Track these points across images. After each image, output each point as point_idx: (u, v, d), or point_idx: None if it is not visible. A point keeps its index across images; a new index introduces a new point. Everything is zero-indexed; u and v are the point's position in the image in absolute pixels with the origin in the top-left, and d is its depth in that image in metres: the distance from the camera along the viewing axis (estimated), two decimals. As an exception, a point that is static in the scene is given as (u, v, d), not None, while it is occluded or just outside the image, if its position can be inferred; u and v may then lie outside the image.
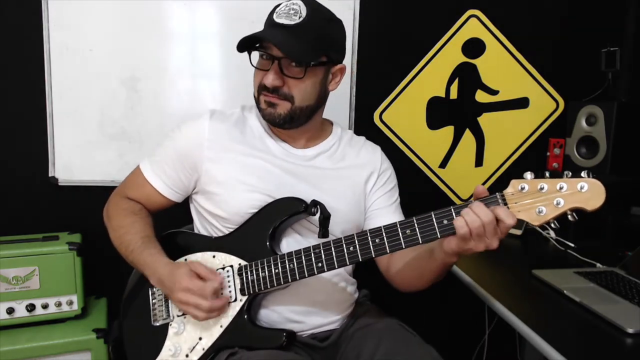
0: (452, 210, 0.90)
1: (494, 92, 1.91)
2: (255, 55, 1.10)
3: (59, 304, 1.46)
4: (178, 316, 1.09)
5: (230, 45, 1.68)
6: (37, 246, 1.45)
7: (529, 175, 0.89)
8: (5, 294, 1.40)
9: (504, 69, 1.90)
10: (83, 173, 1.66)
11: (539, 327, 0.97)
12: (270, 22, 1.05)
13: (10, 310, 1.41)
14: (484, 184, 1.95)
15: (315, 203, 1.04)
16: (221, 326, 1.04)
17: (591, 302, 1.08)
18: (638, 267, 1.28)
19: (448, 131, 1.91)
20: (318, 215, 1.04)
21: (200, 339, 1.06)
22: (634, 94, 1.90)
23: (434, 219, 0.91)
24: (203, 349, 1.05)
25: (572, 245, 1.55)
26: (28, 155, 1.63)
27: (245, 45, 1.06)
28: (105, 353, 1.44)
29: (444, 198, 1.94)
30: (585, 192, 0.84)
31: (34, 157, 1.63)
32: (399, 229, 0.93)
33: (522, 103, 1.93)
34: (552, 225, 0.88)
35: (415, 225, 0.92)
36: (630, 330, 0.96)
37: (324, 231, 1.03)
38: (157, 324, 1.11)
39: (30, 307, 1.42)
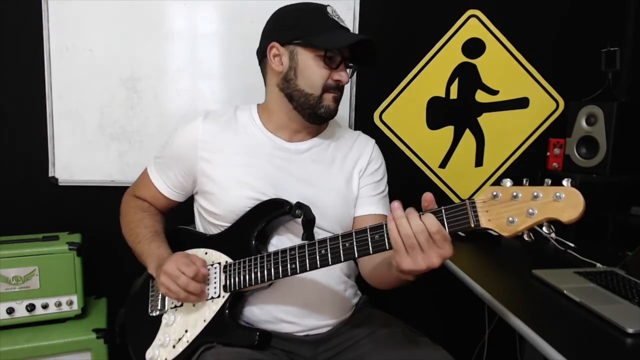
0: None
1: (494, 92, 1.91)
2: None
3: (59, 304, 1.46)
4: (171, 308, 1.13)
5: (230, 45, 1.72)
6: (37, 246, 1.45)
7: (508, 182, 0.81)
8: (5, 294, 1.40)
9: (504, 69, 1.90)
10: (83, 173, 1.66)
11: (539, 327, 0.97)
12: (334, 24, 1.11)
13: (10, 310, 1.41)
14: (483, 184, 1.96)
15: (299, 205, 1.06)
16: (204, 320, 1.07)
17: (591, 302, 1.08)
18: (638, 267, 1.28)
19: (448, 131, 1.91)
20: (302, 217, 1.05)
21: (186, 331, 1.08)
22: (634, 94, 1.90)
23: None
24: (187, 341, 1.07)
25: (572, 245, 1.55)
26: (28, 155, 1.63)
27: (333, 43, 1.10)
28: (106, 353, 1.44)
29: (444, 198, 1.94)
30: (561, 202, 0.76)
31: (34, 157, 1.63)
32: (369, 234, 0.91)
33: (522, 103, 1.93)
34: (526, 236, 0.81)
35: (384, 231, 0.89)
36: (630, 330, 0.96)
37: (307, 234, 1.05)
38: (153, 315, 1.15)
39: (30, 307, 1.42)
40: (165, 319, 1.12)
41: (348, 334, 1.14)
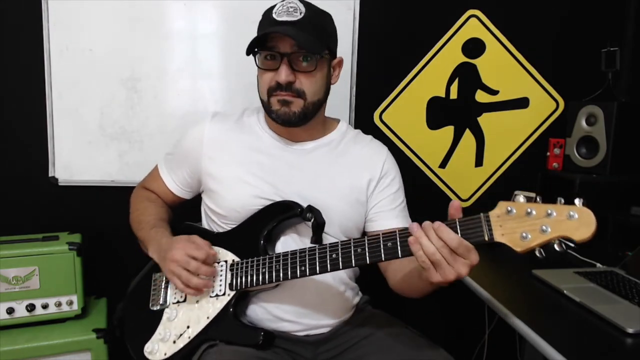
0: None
1: (494, 92, 1.91)
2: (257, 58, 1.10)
3: (59, 304, 1.46)
4: (173, 303, 1.12)
5: (230, 45, 1.72)
6: (37, 246, 1.45)
7: (521, 198, 0.83)
8: (5, 294, 1.40)
9: (504, 69, 1.90)
10: (83, 173, 1.66)
11: (539, 327, 0.97)
12: (271, 21, 1.06)
13: (10, 310, 1.41)
14: (483, 184, 1.96)
15: (310, 209, 1.06)
16: (208, 317, 1.07)
17: (591, 302, 1.08)
18: (638, 267, 1.28)
19: (448, 131, 1.91)
20: (312, 221, 1.05)
21: (187, 327, 1.08)
22: (634, 94, 1.90)
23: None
24: (189, 337, 1.07)
25: (572, 245, 1.55)
26: (28, 155, 1.63)
27: (252, 46, 1.06)
28: (105, 353, 1.44)
29: (444, 198, 1.94)
30: (574, 221, 0.78)
31: (34, 157, 1.63)
32: (381, 240, 0.92)
33: (522, 103, 1.93)
34: (537, 253, 0.82)
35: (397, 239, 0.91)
36: (630, 330, 0.96)
37: (316, 238, 1.05)
38: (154, 309, 1.15)
39: (30, 307, 1.42)
40: (167, 313, 1.12)
41: (348, 335, 1.14)
